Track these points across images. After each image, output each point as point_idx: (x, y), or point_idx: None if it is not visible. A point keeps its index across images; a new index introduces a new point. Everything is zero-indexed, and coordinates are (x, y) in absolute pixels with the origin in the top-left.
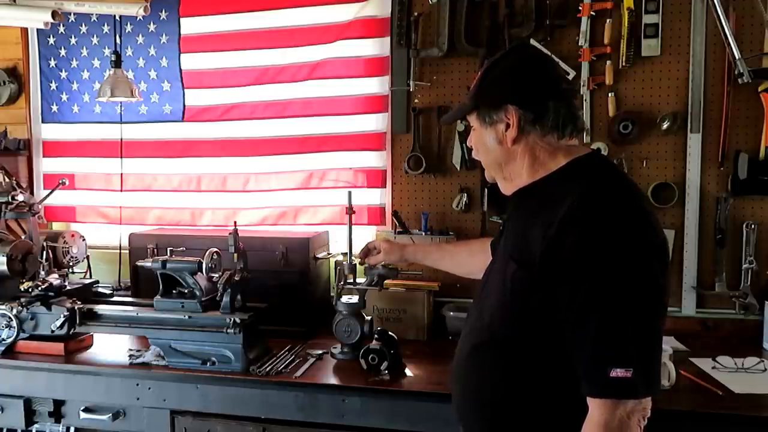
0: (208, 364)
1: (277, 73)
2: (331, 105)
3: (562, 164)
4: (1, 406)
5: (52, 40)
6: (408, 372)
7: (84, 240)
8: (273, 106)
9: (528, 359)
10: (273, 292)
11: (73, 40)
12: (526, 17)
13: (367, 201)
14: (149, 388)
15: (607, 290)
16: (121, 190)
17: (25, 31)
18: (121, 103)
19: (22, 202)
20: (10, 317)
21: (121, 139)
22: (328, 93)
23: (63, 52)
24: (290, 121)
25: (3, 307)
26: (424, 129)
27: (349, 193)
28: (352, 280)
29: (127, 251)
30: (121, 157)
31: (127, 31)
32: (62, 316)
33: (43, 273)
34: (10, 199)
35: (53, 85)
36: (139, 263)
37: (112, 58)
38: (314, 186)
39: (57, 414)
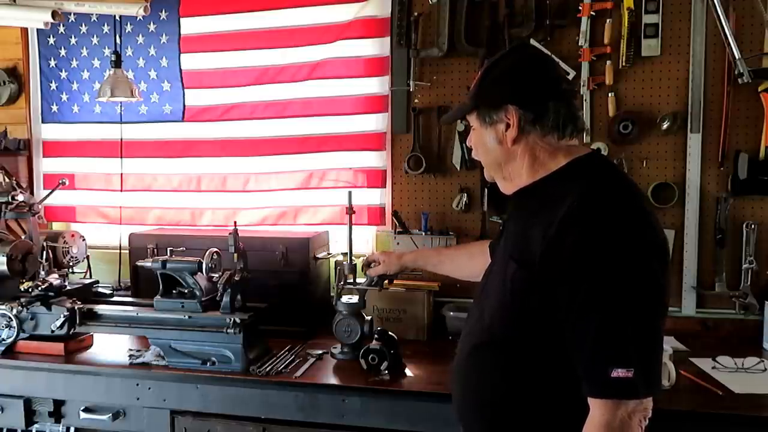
0: (208, 364)
1: (277, 73)
2: (331, 105)
3: (562, 164)
4: (1, 406)
5: (52, 40)
6: (408, 372)
7: (84, 240)
8: (273, 106)
9: (528, 359)
10: (273, 292)
11: (73, 40)
12: (526, 17)
13: (367, 201)
14: (149, 388)
15: (608, 290)
16: (121, 190)
17: (25, 31)
18: (121, 103)
19: (22, 202)
20: (10, 317)
21: (121, 139)
22: (328, 93)
23: (63, 52)
24: (290, 121)
25: (3, 307)
26: (424, 129)
27: (349, 193)
28: (352, 280)
29: (127, 251)
30: (121, 157)
31: (127, 31)
32: (62, 316)
33: (43, 273)
34: (10, 199)
35: (53, 85)
36: (139, 263)
37: (112, 58)
38: (314, 186)
39: (57, 414)
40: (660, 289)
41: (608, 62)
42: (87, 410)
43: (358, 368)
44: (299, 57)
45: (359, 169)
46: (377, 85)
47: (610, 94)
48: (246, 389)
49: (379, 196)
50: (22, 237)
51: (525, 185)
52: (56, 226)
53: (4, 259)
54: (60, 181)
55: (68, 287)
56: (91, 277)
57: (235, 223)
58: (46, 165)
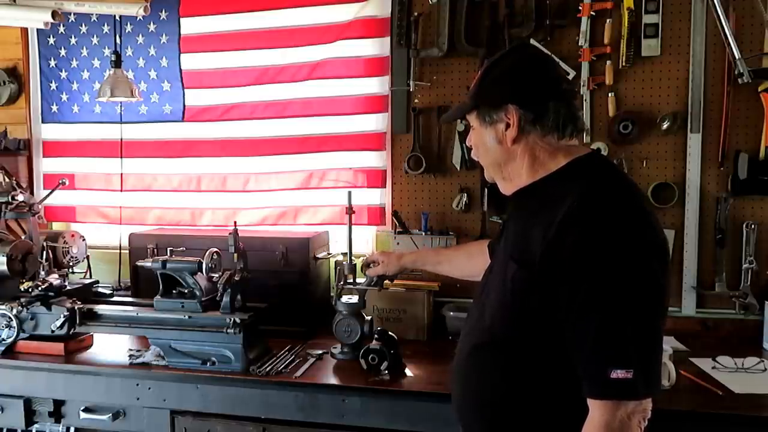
0: (208, 364)
1: (277, 73)
2: (331, 105)
3: (562, 164)
4: (1, 406)
5: (52, 40)
6: (408, 372)
7: (84, 240)
8: (273, 106)
9: (528, 360)
10: (273, 292)
11: (73, 40)
12: (526, 17)
13: (367, 201)
14: (149, 388)
15: (607, 290)
16: (121, 190)
17: (25, 31)
18: (121, 103)
19: (22, 202)
20: (10, 317)
21: (121, 139)
22: (328, 93)
23: (63, 52)
24: (290, 121)
25: (3, 307)
26: (424, 129)
27: (349, 193)
28: (352, 280)
29: (127, 251)
30: (121, 157)
31: (127, 31)
32: (62, 316)
33: (43, 273)
34: (10, 199)
35: (53, 85)
36: (139, 263)
37: (112, 58)
38: (314, 186)
39: (57, 414)
40: (660, 290)
41: (608, 62)
42: (87, 410)
43: (358, 368)
44: (299, 57)
45: (359, 169)
46: (377, 85)
47: (610, 94)
48: (246, 389)
49: (379, 196)
50: (22, 237)
51: (525, 185)
52: (56, 226)
53: (4, 259)
54: (60, 181)
55: (68, 287)
56: (91, 277)
57: (235, 223)
58: (46, 165)
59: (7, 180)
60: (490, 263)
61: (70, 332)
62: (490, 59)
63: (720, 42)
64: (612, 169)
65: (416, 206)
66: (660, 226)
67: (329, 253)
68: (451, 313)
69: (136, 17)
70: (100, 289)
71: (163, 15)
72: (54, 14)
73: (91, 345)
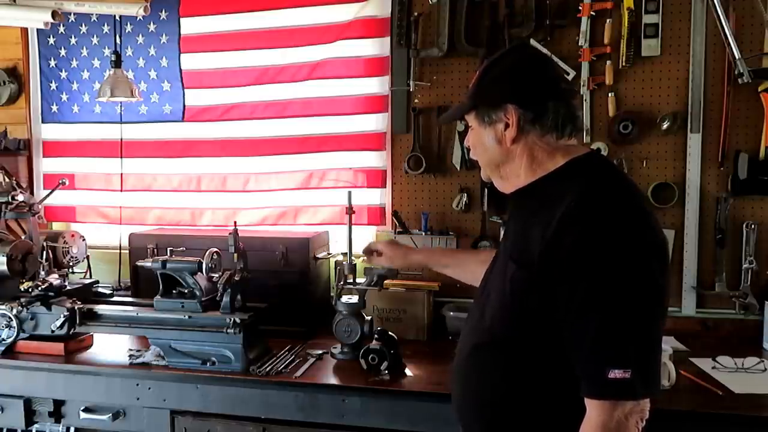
0: (208, 364)
1: (277, 73)
2: (331, 105)
3: (561, 164)
4: (1, 406)
5: (52, 40)
6: (408, 372)
7: (84, 240)
8: (273, 106)
9: (528, 360)
10: (273, 292)
11: (73, 40)
12: (526, 17)
13: (367, 201)
14: (149, 388)
15: (606, 290)
16: (121, 190)
17: (25, 31)
18: (121, 103)
19: (22, 202)
20: (10, 317)
21: (121, 139)
22: (328, 93)
23: (63, 52)
24: (290, 121)
25: (3, 307)
26: (424, 129)
27: (349, 193)
28: (352, 280)
29: (127, 251)
30: (121, 157)
31: (127, 31)
32: (62, 316)
33: (43, 273)
34: (10, 199)
35: (53, 85)
36: (139, 263)
37: (112, 58)
38: (314, 186)
39: (57, 414)
40: (659, 290)
41: (608, 62)
42: (87, 410)
43: (358, 368)
44: (299, 57)
45: (359, 169)
46: (377, 85)
47: (610, 94)
48: (246, 389)
49: (379, 196)
50: (22, 237)
51: (523, 185)
52: (56, 226)
53: (4, 259)
54: (60, 181)
55: (68, 287)
56: (91, 277)
57: (235, 223)
58: (46, 165)
59: (7, 180)
60: (491, 263)
61: (70, 332)
62: (490, 59)
63: (720, 42)
64: (611, 168)
65: (416, 206)
66: (659, 226)
67: (329, 253)
68: (451, 313)
69: (136, 17)
70: (100, 289)
71: (163, 15)
72: (54, 14)
73: (91, 345)
